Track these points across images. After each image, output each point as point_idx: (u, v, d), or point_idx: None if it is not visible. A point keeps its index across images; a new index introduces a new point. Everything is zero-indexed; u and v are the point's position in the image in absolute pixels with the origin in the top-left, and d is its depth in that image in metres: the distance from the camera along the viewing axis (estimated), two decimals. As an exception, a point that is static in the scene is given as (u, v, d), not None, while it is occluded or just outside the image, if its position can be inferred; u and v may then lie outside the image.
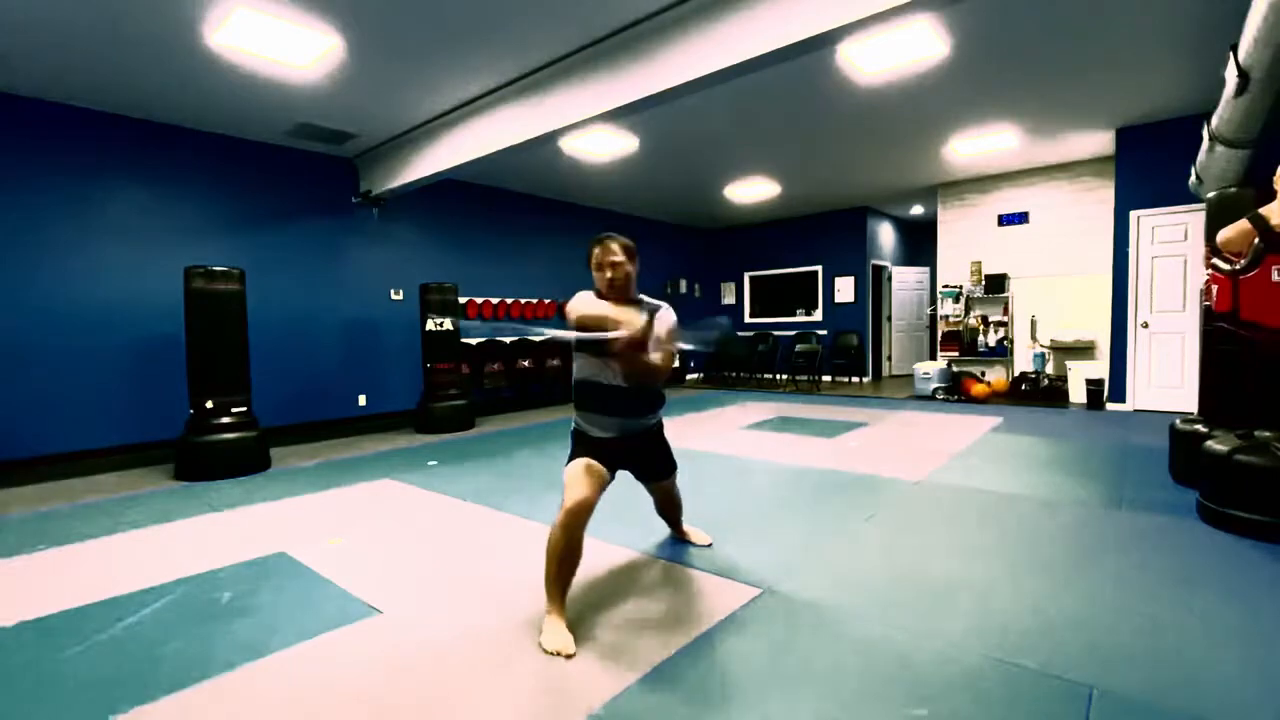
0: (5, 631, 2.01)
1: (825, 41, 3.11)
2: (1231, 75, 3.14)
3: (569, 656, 1.75)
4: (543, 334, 2.16)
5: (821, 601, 2.09)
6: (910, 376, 8.55)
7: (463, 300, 6.83)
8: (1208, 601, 2.04)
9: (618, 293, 2.12)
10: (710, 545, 2.57)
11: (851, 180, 7.75)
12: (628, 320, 1.83)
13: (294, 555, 2.64)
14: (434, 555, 2.65)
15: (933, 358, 8.91)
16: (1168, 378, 5.84)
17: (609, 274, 2.11)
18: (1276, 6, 2.45)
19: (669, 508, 2.59)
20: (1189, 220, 5.59)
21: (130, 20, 3.39)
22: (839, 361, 9.18)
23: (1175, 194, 5.57)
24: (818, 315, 9.68)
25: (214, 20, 3.40)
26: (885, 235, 10.00)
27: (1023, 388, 7.01)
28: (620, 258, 2.12)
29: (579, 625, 1.95)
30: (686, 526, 2.67)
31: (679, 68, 3.53)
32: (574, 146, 5.67)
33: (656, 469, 2.37)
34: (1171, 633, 1.85)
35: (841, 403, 7.26)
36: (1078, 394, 6.57)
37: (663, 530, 2.77)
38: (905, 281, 10.09)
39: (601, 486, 2.04)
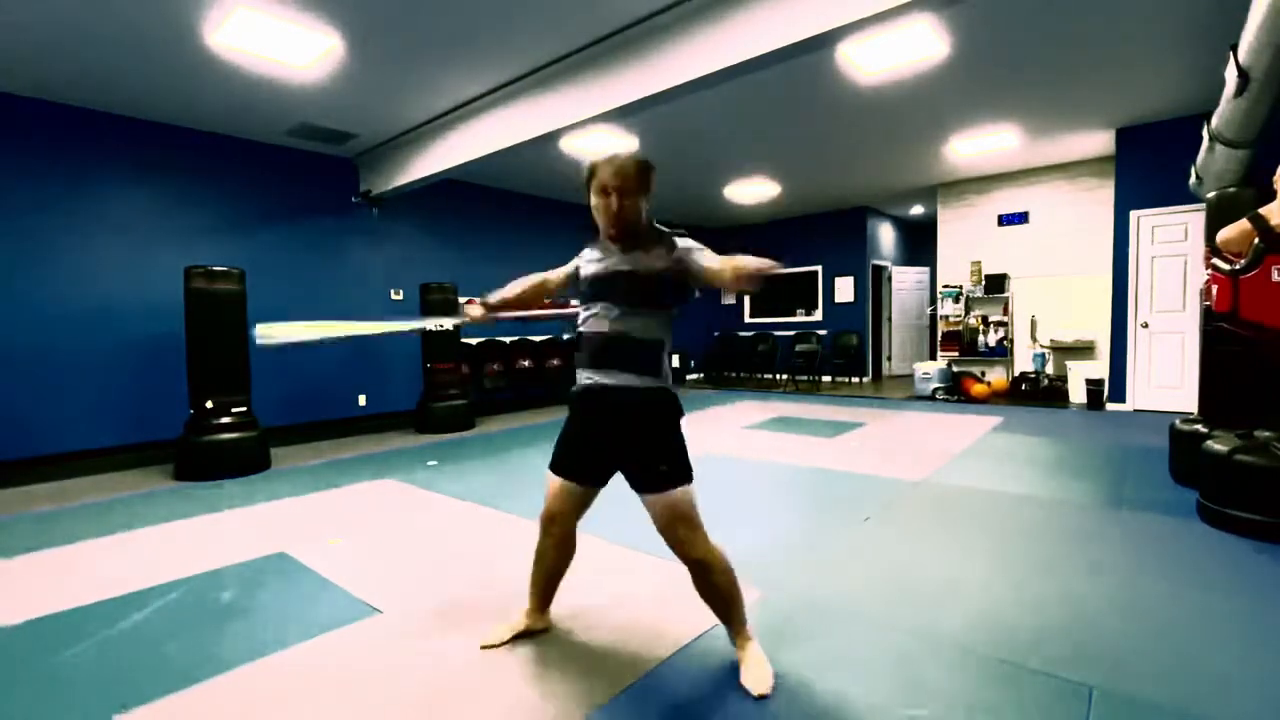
0: (6, 631, 2.01)
1: (825, 41, 3.11)
2: (1231, 75, 3.14)
3: (483, 646, 1.83)
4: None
5: (821, 602, 2.09)
6: (910, 376, 8.55)
7: (463, 300, 6.82)
8: (1208, 601, 2.04)
9: (622, 230, 1.64)
10: (766, 697, 1.55)
11: (851, 180, 7.75)
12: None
13: (294, 555, 2.64)
14: (434, 555, 2.65)
15: (933, 358, 8.90)
16: (1168, 378, 5.83)
17: (613, 204, 1.60)
18: (1276, 7, 2.45)
19: (700, 585, 1.66)
20: (1189, 220, 5.59)
21: (130, 20, 3.38)
22: (839, 361, 9.18)
23: (1175, 194, 5.56)
24: (818, 315, 9.68)
25: (214, 20, 3.40)
26: (885, 235, 10.00)
27: (1023, 388, 7.01)
28: (619, 182, 1.59)
29: (578, 624, 1.95)
30: (748, 650, 1.67)
31: (679, 68, 3.53)
32: (574, 146, 5.66)
33: (642, 462, 1.59)
34: (1171, 632, 1.85)
35: (841, 403, 7.26)
36: (1078, 394, 6.57)
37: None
38: (905, 281, 10.09)
39: (570, 496, 1.73)
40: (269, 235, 5.55)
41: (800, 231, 9.87)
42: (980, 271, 7.69)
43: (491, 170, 6.59)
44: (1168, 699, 1.51)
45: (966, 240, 7.88)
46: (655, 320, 1.66)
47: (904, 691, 1.57)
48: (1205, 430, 3.19)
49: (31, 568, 2.59)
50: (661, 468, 1.58)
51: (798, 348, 9.27)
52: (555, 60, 4.09)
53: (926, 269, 10.07)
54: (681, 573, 2.33)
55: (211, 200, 5.22)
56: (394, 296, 6.47)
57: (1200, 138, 4.33)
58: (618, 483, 1.71)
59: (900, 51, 4.03)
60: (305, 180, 5.80)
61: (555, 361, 7.69)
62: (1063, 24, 3.82)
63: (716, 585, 1.65)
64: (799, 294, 9.93)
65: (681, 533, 1.60)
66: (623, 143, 5.73)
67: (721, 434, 5.30)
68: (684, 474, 1.61)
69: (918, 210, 9.71)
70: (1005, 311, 7.49)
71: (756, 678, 1.60)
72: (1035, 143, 6.28)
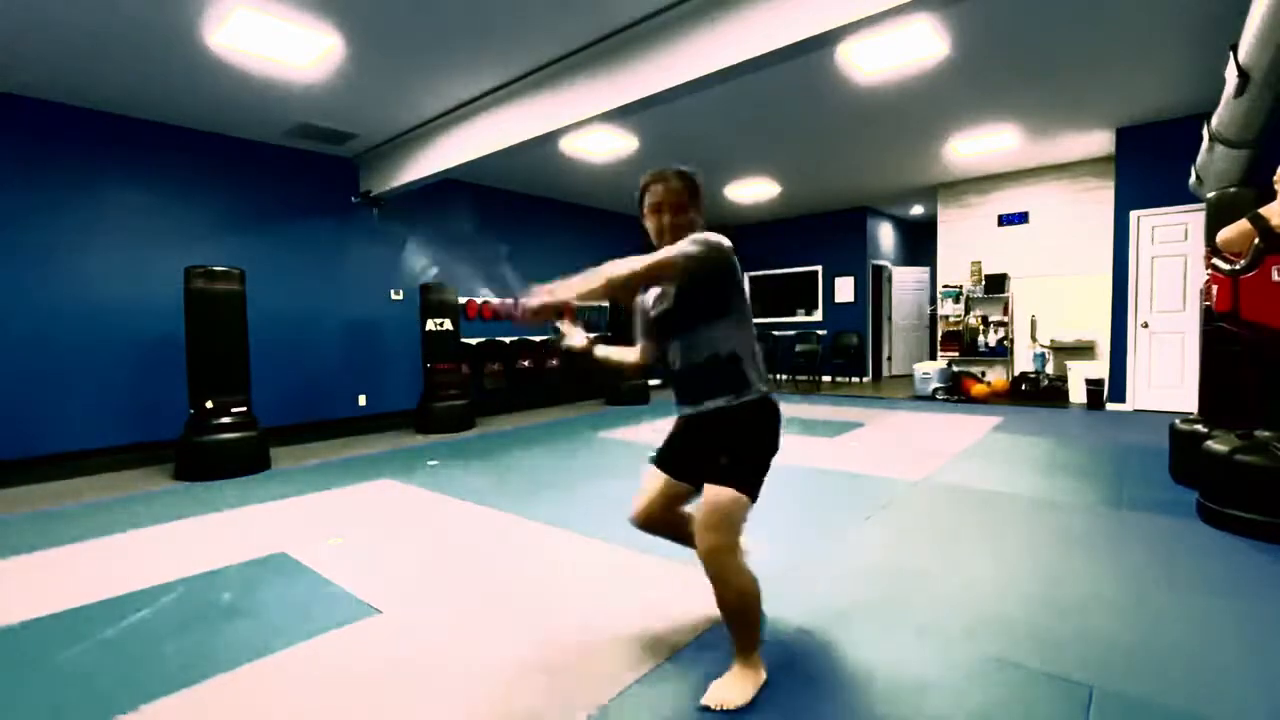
0: (5, 631, 2.01)
1: (825, 41, 3.11)
2: (1231, 75, 3.14)
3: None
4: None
5: (821, 601, 2.09)
6: (910, 376, 8.54)
7: (462, 300, 6.83)
8: (1208, 601, 2.04)
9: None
10: (706, 708, 1.51)
11: (851, 180, 7.75)
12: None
13: (294, 555, 2.64)
14: (434, 555, 2.65)
15: (933, 358, 8.91)
16: (1168, 378, 5.83)
17: (663, 219, 1.66)
18: (1276, 7, 2.45)
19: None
20: (1189, 220, 5.59)
21: (130, 20, 3.38)
22: (839, 361, 9.18)
23: (1175, 194, 5.56)
24: (818, 315, 9.68)
25: (214, 20, 3.40)
26: (885, 235, 10.00)
27: (1023, 388, 7.01)
28: (662, 198, 1.65)
29: (579, 625, 1.95)
30: (733, 668, 1.59)
31: (679, 68, 3.53)
32: (574, 146, 5.67)
33: (709, 465, 1.56)
34: (1171, 632, 1.85)
35: (841, 402, 7.26)
36: (1078, 394, 6.57)
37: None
38: (905, 281, 10.09)
39: (662, 497, 1.72)
40: (269, 235, 5.55)
41: (800, 231, 9.86)
42: (980, 271, 7.69)
43: (492, 170, 6.60)
44: (1168, 699, 1.51)
45: (966, 240, 7.88)
46: (718, 334, 1.59)
47: (904, 691, 1.57)
48: (1205, 430, 3.19)
49: (31, 568, 2.59)
50: (729, 467, 1.53)
51: (798, 348, 9.26)
52: (555, 60, 4.09)
53: (926, 269, 10.07)
54: (682, 574, 2.33)
55: (211, 200, 5.21)
56: (394, 297, 6.47)
57: (1200, 138, 4.33)
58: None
59: (900, 51, 4.02)
60: (305, 180, 5.80)
61: (555, 362, 7.69)
62: (1062, 24, 3.82)
63: (723, 599, 1.54)
64: (799, 294, 9.94)
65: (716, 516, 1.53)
66: (623, 143, 5.73)
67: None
68: (741, 479, 1.53)
69: (918, 210, 9.71)
70: (1005, 311, 7.50)
71: (717, 686, 1.54)
72: (1035, 143, 6.28)
